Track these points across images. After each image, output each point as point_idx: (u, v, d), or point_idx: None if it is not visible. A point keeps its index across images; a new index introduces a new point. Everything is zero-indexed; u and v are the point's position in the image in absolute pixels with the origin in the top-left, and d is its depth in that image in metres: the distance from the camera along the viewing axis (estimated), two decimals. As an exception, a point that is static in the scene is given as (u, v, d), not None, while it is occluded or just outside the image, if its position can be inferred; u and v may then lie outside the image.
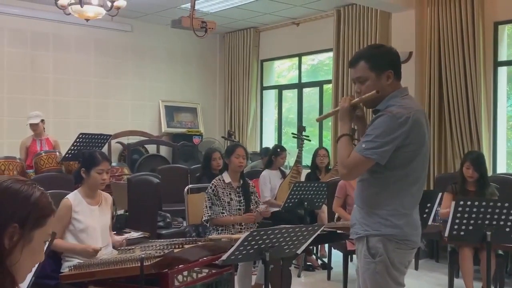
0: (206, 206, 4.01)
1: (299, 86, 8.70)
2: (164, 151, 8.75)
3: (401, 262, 2.33)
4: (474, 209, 3.63)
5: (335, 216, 4.80)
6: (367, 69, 2.31)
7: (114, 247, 3.27)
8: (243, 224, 4.04)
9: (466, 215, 3.67)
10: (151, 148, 8.60)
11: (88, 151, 3.52)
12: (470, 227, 3.70)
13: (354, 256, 5.15)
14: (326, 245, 5.33)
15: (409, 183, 2.30)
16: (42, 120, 6.12)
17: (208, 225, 4.03)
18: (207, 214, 3.99)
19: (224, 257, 2.66)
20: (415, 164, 2.28)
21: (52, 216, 1.26)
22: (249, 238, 2.59)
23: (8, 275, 1.17)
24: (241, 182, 4.15)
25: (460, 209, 3.67)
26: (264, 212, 4.11)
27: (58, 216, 3.12)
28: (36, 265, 2.43)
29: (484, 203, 3.58)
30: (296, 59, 8.72)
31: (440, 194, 4.04)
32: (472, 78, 5.91)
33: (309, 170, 6.16)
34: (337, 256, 5.00)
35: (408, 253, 2.36)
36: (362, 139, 2.31)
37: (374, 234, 2.29)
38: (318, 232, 2.95)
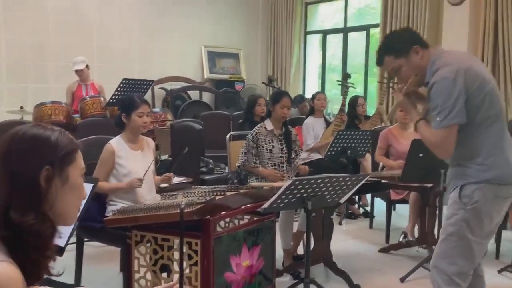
0: (242, 152, 4.02)
1: (345, 31, 8.40)
2: (206, 97, 8.74)
3: (499, 212, 2.31)
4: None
5: (380, 165, 4.70)
6: (393, 59, 2.40)
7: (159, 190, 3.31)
8: (284, 172, 4.01)
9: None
10: (194, 94, 8.60)
11: (126, 96, 3.51)
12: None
13: (398, 206, 5.09)
14: (369, 194, 5.26)
15: (490, 124, 2.28)
16: (87, 66, 6.16)
17: (240, 170, 4.06)
18: (241, 160, 4.01)
19: (266, 205, 2.64)
20: (486, 105, 2.26)
21: (78, 150, 1.28)
22: (292, 187, 2.55)
23: (48, 219, 1.19)
24: (284, 130, 4.09)
25: None
26: (303, 170, 4.08)
27: (102, 160, 3.18)
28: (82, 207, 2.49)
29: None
30: (342, 2, 8.38)
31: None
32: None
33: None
34: (379, 204, 4.95)
35: (506, 201, 2.32)
36: (432, 114, 2.32)
37: (473, 182, 2.27)
38: (363, 182, 2.89)
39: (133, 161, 3.22)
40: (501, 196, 2.29)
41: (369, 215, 5.09)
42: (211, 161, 5.30)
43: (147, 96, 6.55)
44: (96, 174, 3.17)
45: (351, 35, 8.39)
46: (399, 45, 2.40)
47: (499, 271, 3.76)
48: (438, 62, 2.29)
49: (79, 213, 2.48)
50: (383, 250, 4.27)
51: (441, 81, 2.22)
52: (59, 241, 2.42)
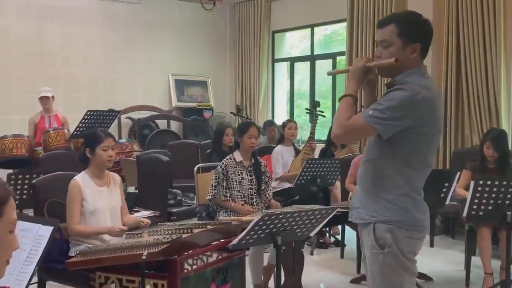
0: (212, 185, 3.93)
1: (312, 58, 8.49)
2: (174, 126, 8.65)
3: (411, 252, 2.15)
4: (494, 189, 3.51)
5: (349, 194, 4.69)
6: (395, 34, 2.12)
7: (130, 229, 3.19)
8: (254, 204, 3.95)
9: (485, 195, 3.55)
10: (162, 123, 8.50)
11: (89, 131, 3.42)
12: (490, 207, 3.58)
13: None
14: (339, 223, 5.23)
15: (420, 166, 2.14)
16: (53, 96, 6.03)
17: (210, 204, 3.98)
18: (212, 194, 3.92)
19: (235, 241, 2.57)
20: (427, 147, 2.13)
21: (9, 201, 1.12)
22: (260, 223, 2.50)
23: None
24: (253, 161, 4.04)
25: (479, 189, 3.54)
26: (275, 207, 4.02)
27: (70, 199, 3.05)
28: (40, 254, 2.37)
29: (504, 183, 3.45)
30: (308, 30, 8.49)
31: (458, 174, 3.90)
32: (492, 49, 5.68)
33: (324, 146, 6.03)
34: (350, 232, 4.92)
35: (418, 242, 2.19)
36: (371, 106, 2.11)
37: (381, 221, 2.11)
38: (332, 214, 2.85)
39: (98, 198, 3.12)
40: (413, 237, 2.14)
41: (340, 244, 5.06)
42: (179, 192, 5.19)
43: (113, 126, 6.44)
44: (69, 216, 3.03)
45: (318, 62, 8.48)
46: (411, 29, 2.12)
47: (470, 299, 3.76)
48: (416, 77, 2.11)
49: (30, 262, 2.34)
50: (354, 281, 4.22)
51: (408, 92, 2.03)
52: (18, 287, 2.30)
